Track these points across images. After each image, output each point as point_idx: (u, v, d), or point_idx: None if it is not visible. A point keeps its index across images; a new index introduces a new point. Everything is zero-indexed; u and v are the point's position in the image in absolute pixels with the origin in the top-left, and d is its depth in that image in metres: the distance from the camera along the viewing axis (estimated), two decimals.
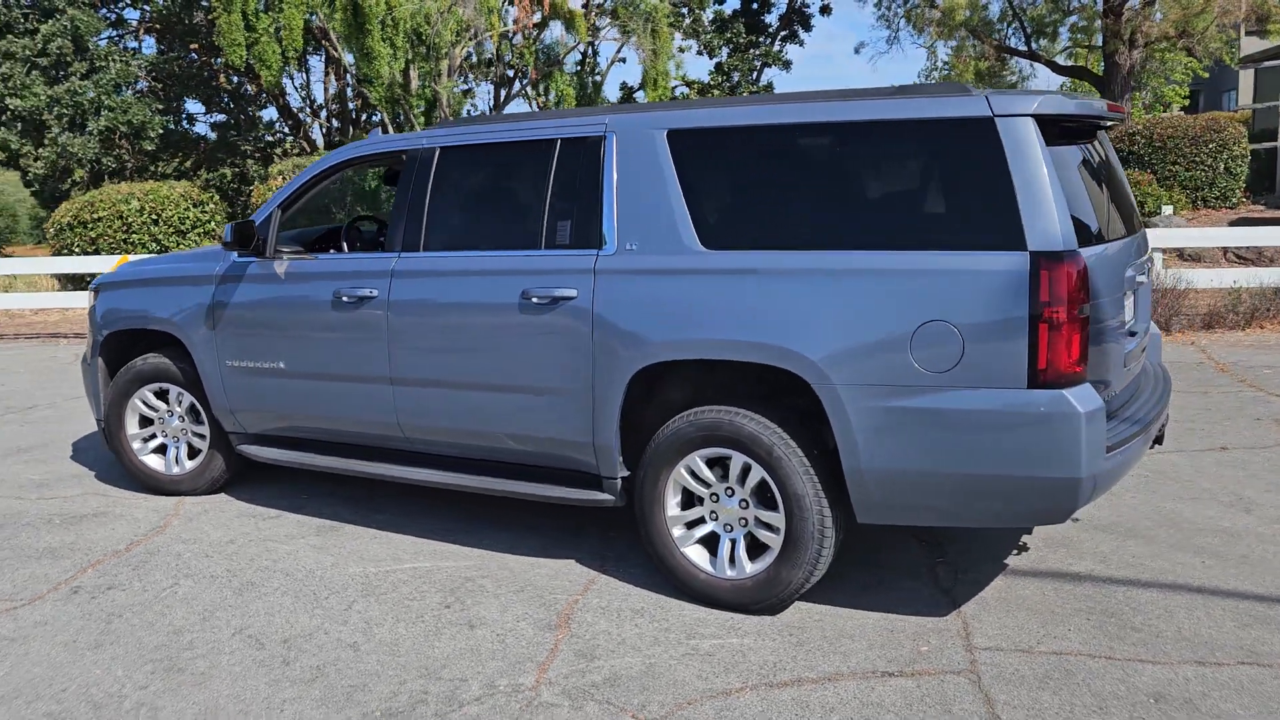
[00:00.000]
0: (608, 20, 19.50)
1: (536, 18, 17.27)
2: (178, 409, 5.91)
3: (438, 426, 4.91)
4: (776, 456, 3.97)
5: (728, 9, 29.54)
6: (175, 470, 5.99)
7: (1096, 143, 4.52)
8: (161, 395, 5.94)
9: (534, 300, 4.46)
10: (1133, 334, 4.36)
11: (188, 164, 24.94)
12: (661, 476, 4.26)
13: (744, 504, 4.17)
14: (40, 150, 19.29)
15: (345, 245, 5.99)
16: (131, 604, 4.48)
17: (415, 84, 17.11)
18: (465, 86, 21.96)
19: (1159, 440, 4.27)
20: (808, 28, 30.73)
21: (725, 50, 27.81)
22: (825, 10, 30.32)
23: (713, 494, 4.24)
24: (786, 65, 31.02)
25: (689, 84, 26.24)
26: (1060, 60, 26.33)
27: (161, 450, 6.04)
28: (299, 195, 5.46)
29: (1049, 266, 3.53)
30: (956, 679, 3.63)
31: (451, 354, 4.77)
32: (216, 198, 17.15)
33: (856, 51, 42.41)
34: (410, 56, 16.06)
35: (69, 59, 19.22)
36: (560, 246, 4.49)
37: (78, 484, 6.32)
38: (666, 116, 4.37)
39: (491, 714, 3.49)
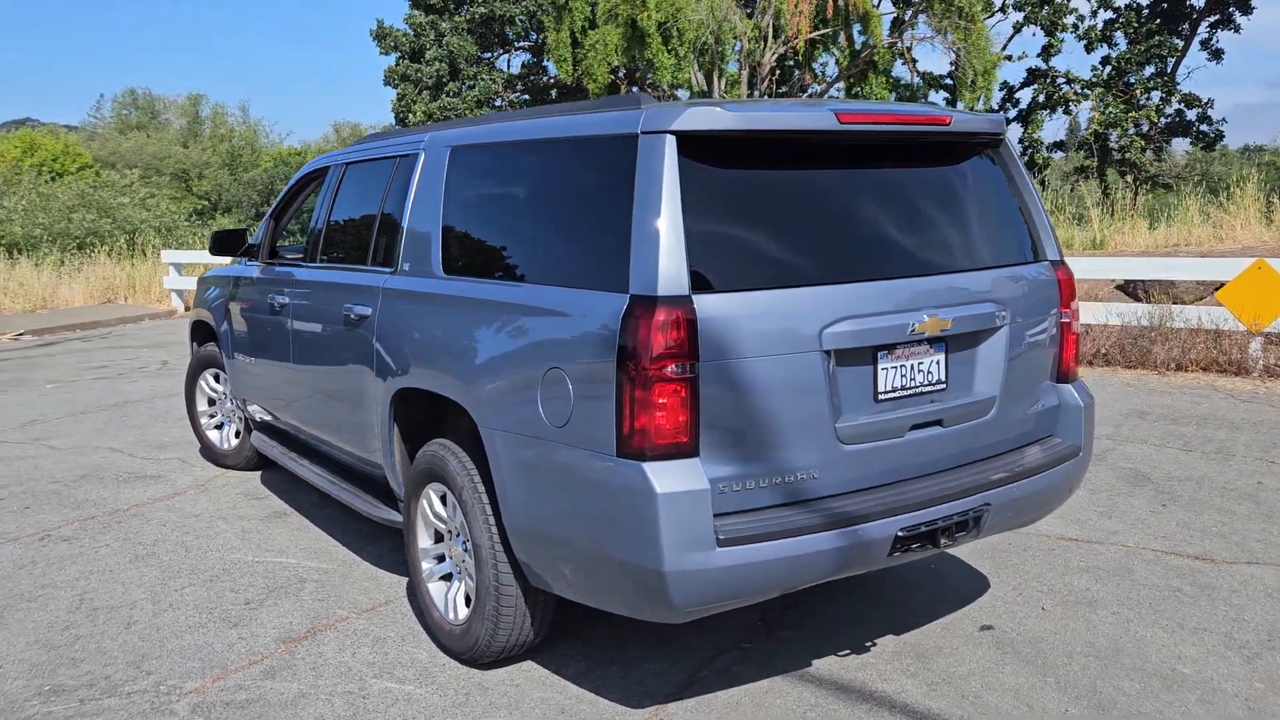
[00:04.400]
0: (920, 16, 18.20)
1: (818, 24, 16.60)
2: (226, 390, 6.70)
3: (315, 427, 5.13)
4: (465, 499, 3.68)
5: None
6: (225, 446, 6.80)
7: (952, 163, 3.61)
8: (218, 379, 6.77)
9: (349, 316, 4.51)
10: (933, 401, 3.42)
11: None
12: (413, 506, 4.12)
13: (465, 546, 3.91)
14: None
15: None
16: (57, 556, 5.22)
17: (718, 92, 17.30)
18: (784, 90, 21.72)
19: (929, 540, 3.29)
20: (1246, 10, 26.19)
21: (1123, 41, 24.58)
22: None
23: (449, 531, 4.02)
24: (1217, 55, 26.76)
25: (1070, 81, 23.57)
26: None
27: (220, 427, 6.88)
28: (284, 206, 5.94)
29: (641, 314, 2.92)
30: None
31: (317, 361, 4.96)
32: None
33: None
34: (699, 66, 16.27)
35: (445, 79, 22.03)
36: (376, 264, 4.49)
37: (178, 450, 7.38)
38: (459, 133, 4.19)
39: (117, 710, 3.64)
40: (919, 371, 3.37)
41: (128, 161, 42.60)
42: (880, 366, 3.28)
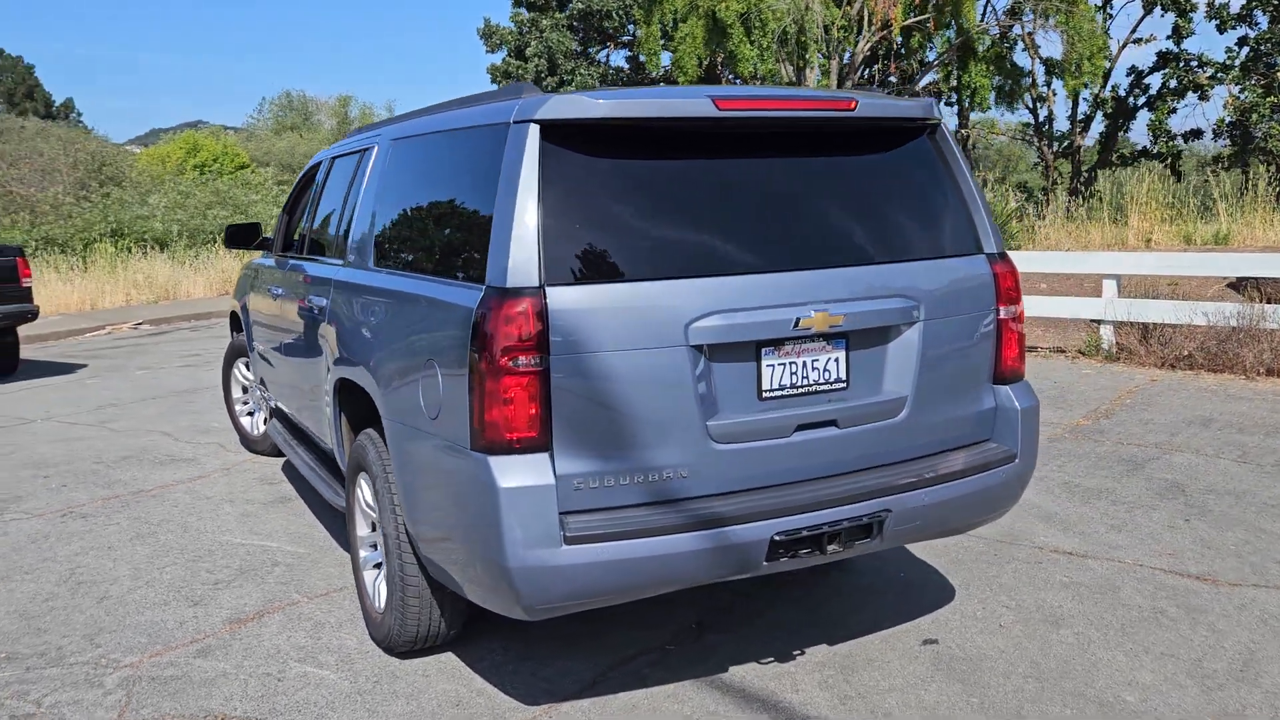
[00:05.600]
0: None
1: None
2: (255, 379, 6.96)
3: (299, 415, 5.28)
4: (378, 488, 3.72)
5: None
6: (255, 433, 7.06)
7: (870, 150, 3.44)
8: (250, 367, 7.03)
9: (312, 309, 4.62)
10: (831, 400, 3.26)
11: None
12: (352, 494, 4.19)
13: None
14: None
15: None
16: (69, 532, 5.53)
17: (808, 84, 16.92)
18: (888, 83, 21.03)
19: (814, 546, 3.13)
20: None
21: (1264, 20, 22.84)
22: None
23: (379, 520, 4.06)
24: None
25: (1203, 64, 22.00)
26: None
27: (252, 414, 7.15)
28: (294, 201, 6.12)
29: (492, 305, 2.88)
30: None
31: (295, 352, 5.09)
32: None
33: None
34: (783, 57, 15.94)
35: (544, 75, 22.31)
36: (334, 257, 4.58)
37: (220, 435, 7.71)
38: (399, 126, 4.23)
39: (54, 679, 3.82)
40: (813, 369, 3.22)
41: (281, 161, 44.67)
42: (765, 363, 3.14)
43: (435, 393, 3.15)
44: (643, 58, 18.12)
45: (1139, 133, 30.29)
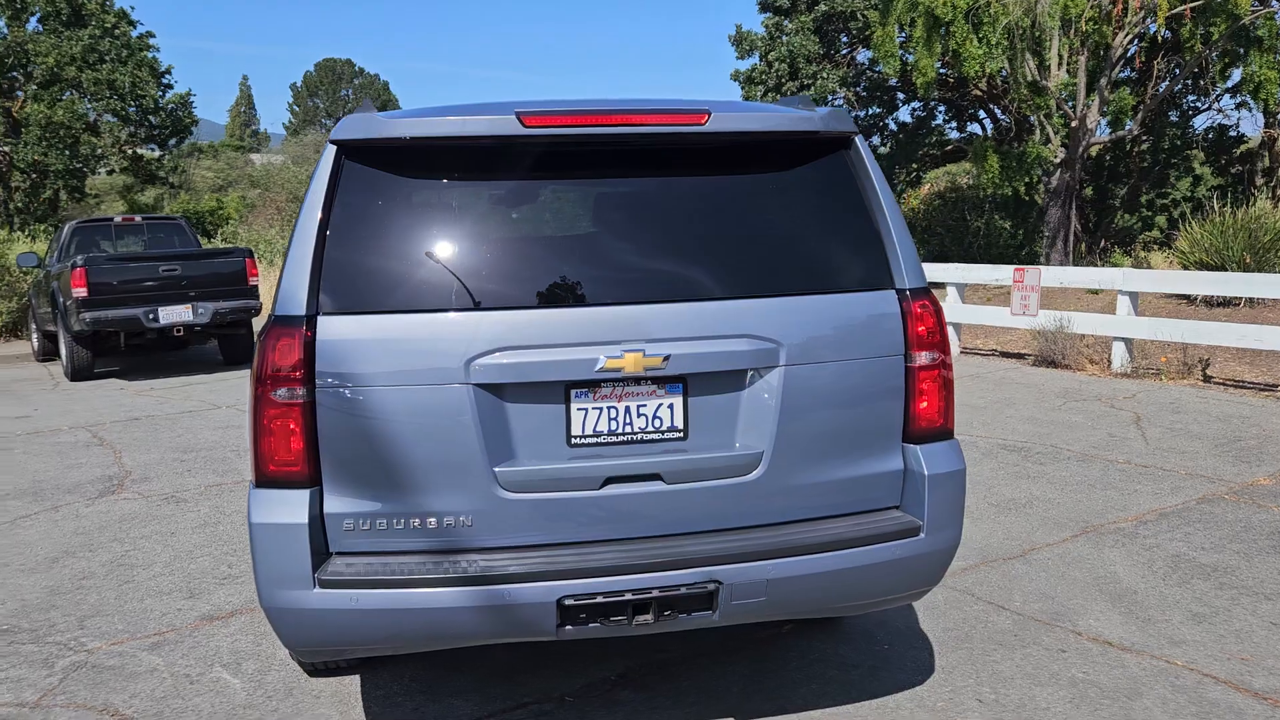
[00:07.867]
0: None
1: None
2: None
3: None
4: None
5: None
6: None
7: (747, 170, 3.03)
8: None
9: None
10: (667, 452, 2.87)
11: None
12: None
13: None
14: None
15: None
16: (155, 514, 6.03)
17: (1057, 81, 15.27)
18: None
19: (619, 614, 2.74)
20: None
21: None
22: None
23: None
24: None
25: None
26: None
27: None
28: None
29: (266, 333, 2.78)
30: None
31: None
32: None
33: None
34: (1018, 53, 14.44)
35: (784, 80, 21.79)
36: None
37: None
38: None
39: (23, 655, 4.15)
40: (639, 416, 2.85)
41: None
42: (575, 407, 2.82)
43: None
44: (880, 64, 17.24)
45: None
